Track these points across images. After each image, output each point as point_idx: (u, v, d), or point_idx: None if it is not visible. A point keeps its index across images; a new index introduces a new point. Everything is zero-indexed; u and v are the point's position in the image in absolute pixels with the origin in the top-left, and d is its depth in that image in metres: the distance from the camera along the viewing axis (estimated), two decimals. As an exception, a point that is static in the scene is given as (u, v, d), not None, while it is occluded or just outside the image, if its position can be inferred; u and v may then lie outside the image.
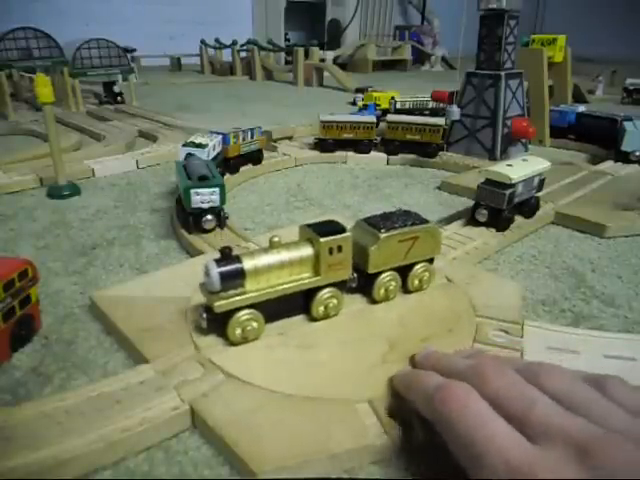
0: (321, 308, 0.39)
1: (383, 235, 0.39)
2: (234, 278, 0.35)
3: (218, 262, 0.35)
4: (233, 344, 0.36)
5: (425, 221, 0.42)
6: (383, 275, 0.41)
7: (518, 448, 0.22)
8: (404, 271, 0.42)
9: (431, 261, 0.44)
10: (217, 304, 0.34)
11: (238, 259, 0.35)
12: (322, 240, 0.37)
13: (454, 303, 0.42)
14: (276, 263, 0.36)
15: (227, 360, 0.34)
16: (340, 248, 0.38)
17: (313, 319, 0.39)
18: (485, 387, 0.26)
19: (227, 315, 0.35)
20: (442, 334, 0.38)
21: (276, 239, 0.37)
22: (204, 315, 0.35)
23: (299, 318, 0.39)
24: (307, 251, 0.37)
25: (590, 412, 0.23)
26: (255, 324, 0.36)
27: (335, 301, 0.39)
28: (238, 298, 0.35)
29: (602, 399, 0.24)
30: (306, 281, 0.38)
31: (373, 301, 0.42)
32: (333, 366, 0.34)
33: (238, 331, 0.35)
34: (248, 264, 0.35)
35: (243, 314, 0.35)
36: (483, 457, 0.22)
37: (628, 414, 0.23)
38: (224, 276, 0.34)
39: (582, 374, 0.27)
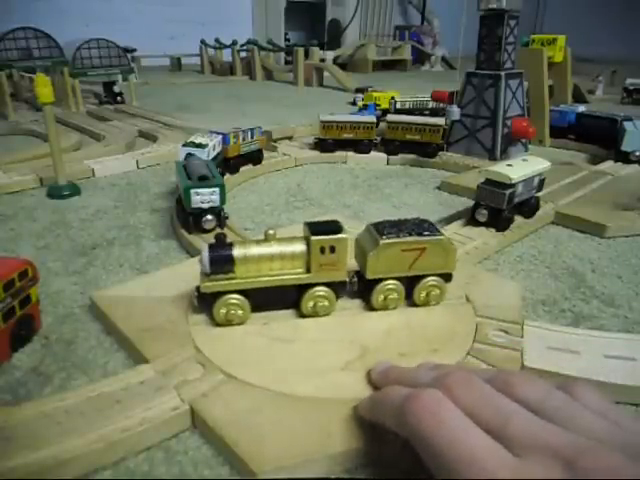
0: (310, 304, 0.39)
1: (383, 242, 0.39)
2: (223, 263, 0.37)
3: (211, 247, 0.37)
4: (218, 325, 0.38)
5: (438, 233, 0.40)
6: (384, 283, 0.40)
7: (501, 462, 0.21)
8: (412, 283, 0.41)
9: (447, 278, 0.41)
10: (204, 285, 0.37)
11: (230, 246, 0.37)
12: (313, 238, 0.37)
13: (456, 324, 0.39)
14: (266, 254, 0.38)
15: (203, 337, 0.37)
16: (333, 249, 0.38)
17: (302, 315, 0.40)
18: (453, 400, 0.24)
19: (215, 297, 0.37)
20: (424, 352, 0.36)
21: (271, 232, 0.38)
22: (195, 293, 0.38)
23: (289, 312, 0.40)
24: (300, 247, 0.38)
25: (568, 421, 0.22)
26: (240, 310, 0.38)
27: (326, 302, 0.39)
28: (224, 282, 0.37)
29: (577, 406, 0.23)
30: (295, 276, 0.38)
31: (372, 308, 0.41)
32: (294, 362, 0.35)
33: (223, 311, 0.38)
34: (238, 251, 0.37)
35: (229, 298, 0.37)
36: (464, 473, 0.21)
37: (605, 420, 0.22)
38: (214, 260, 0.37)
39: (553, 382, 0.26)
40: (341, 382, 0.33)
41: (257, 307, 0.39)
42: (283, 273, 0.38)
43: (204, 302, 0.38)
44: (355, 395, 0.31)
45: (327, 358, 0.35)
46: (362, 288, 0.41)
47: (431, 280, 0.41)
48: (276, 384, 0.32)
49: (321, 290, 0.39)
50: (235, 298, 0.38)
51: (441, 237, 0.40)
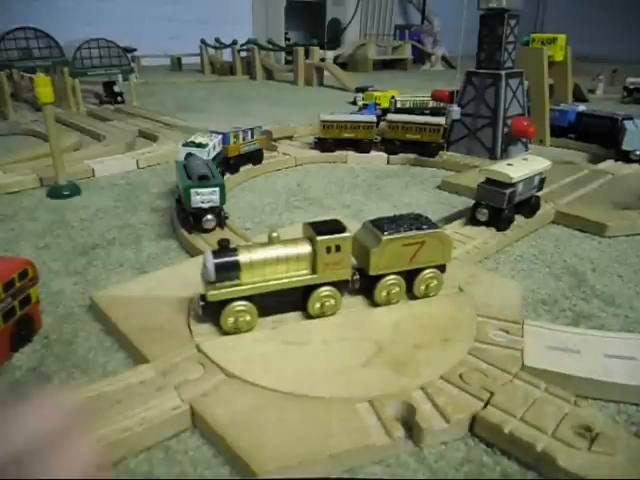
0: (317, 305, 0.39)
1: (385, 238, 0.39)
2: (229, 270, 0.36)
3: (215, 253, 0.36)
4: (226, 333, 0.37)
5: (434, 226, 0.41)
6: (386, 278, 0.40)
7: None
8: (411, 276, 0.41)
9: (442, 269, 0.42)
10: (210, 293, 0.36)
11: (235, 251, 0.36)
12: (319, 239, 0.37)
13: (458, 313, 0.40)
14: (272, 258, 0.37)
15: (213, 347, 0.36)
16: (338, 248, 0.38)
17: (310, 316, 0.39)
18: None
19: (222, 305, 0.36)
20: (436, 342, 0.37)
21: (275, 234, 0.38)
22: (200, 303, 0.37)
23: (296, 314, 0.40)
24: (305, 248, 0.38)
25: None
26: (248, 316, 0.37)
27: (332, 301, 0.39)
28: (231, 289, 0.36)
29: None
30: (302, 278, 0.38)
31: (375, 304, 0.41)
32: (312, 364, 0.34)
33: (231, 320, 0.37)
34: (244, 257, 0.36)
35: (236, 305, 0.36)
36: None
37: None
38: (219, 267, 0.36)
39: None
40: (366, 379, 0.33)
41: (263, 312, 0.38)
42: (289, 276, 0.38)
43: (208, 310, 0.37)
44: (382, 391, 0.31)
45: (345, 357, 0.35)
46: (365, 285, 0.41)
47: (429, 272, 0.42)
48: (303, 388, 0.32)
49: (327, 290, 0.39)
50: (242, 305, 0.37)
51: (438, 230, 0.41)
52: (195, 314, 0.39)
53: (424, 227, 0.41)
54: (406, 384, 0.32)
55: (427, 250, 0.41)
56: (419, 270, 0.41)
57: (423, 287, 0.42)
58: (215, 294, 0.36)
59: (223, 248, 0.37)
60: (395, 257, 0.40)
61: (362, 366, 0.34)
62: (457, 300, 0.42)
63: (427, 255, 0.41)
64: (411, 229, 0.40)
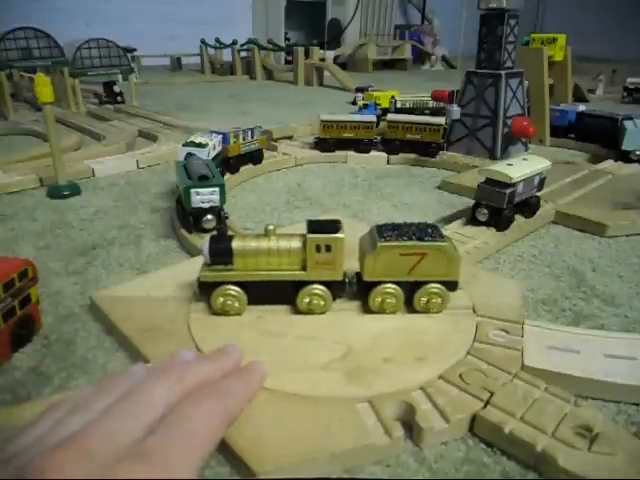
0: (305, 301, 0.39)
1: (380, 244, 0.38)
2: (222, 255, 0.38)
3: (212, 239, 0.38)
4: (215, 313, 0.39)
5: (441, 239, 0.39)
6: (382, 286, 0.39)
7: None
8: (413, 289, 0.40)
9: (452, 286, 0.40)
10: (203, 274, 0.39)
11: (230, 239, 0.38)
12: (309, 236, 0.38)
13: (453, 334, 0.38)
14: (264, 249, 0.38)
15: (197, 322, 0.39)
16: (328, 248, 0.38)
17: (298, 312, 0.40)
18: None
19: (214, 286, 0.39)
20: (408, 360, 0.35)
21: (271, 227, 0.39)
22: (197, 282, 0.39)
23: (286, 308, 0.41)
24: (296, 244, 0.38)
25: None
26: (237, 302, 0.39)
27: (322, 302, 0.39)
28: (222, 273, 0.39)
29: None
30: (292, 273, 0.39)
31: (370, 311, 0.40)
32: (275, 356, 0.35)
33: (220, 300, 0.39)
34: (237, 244, 0.38)
35: (227, 288, 0.39)
36: None
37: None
38: (213, 251, 0.38)
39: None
40: (317, 380, 0.33)
41: (254, 300, 0.40)
42: (280, 269, 0.39)
43: (205, 291, 0.39)
44: (329, 394, 0.31)
45: (309, 356, 0.35)
46: (361, 290, 0.40)
47: (432, 287, 0.39)
48: None
49: (317, 288, 0.39)
50: (232, 289, 0.39)
51: (443, 243, 0.39)
52: (196, 295, 0.41)
53: (427, 238, 0.39)
54: (350, 393, 0.32)
55: (429, 263, 0.39)
56: (422, 283, 0.40)
57: (424, 301, 0.40)
58: (207, 275, 0.38)
59: (220, 235, 0.39)
60: (392, 266, 0.39)
61: (320, 368, 0.34)
62: (459, 322, 0.39)
63: (429, 268, 0.39)
64: (411, 239, 0.39)
